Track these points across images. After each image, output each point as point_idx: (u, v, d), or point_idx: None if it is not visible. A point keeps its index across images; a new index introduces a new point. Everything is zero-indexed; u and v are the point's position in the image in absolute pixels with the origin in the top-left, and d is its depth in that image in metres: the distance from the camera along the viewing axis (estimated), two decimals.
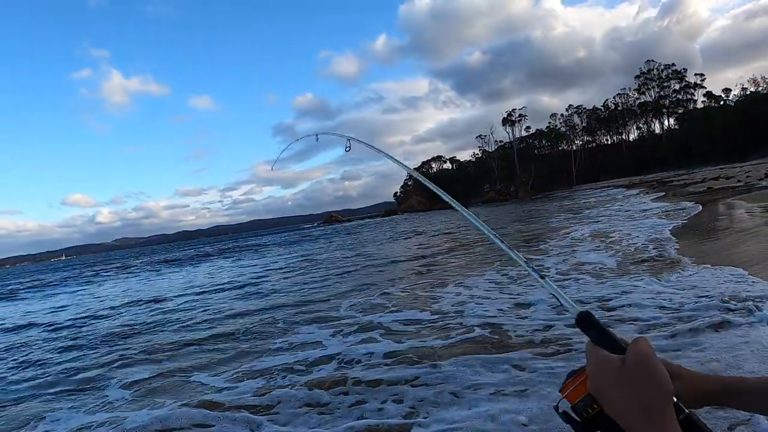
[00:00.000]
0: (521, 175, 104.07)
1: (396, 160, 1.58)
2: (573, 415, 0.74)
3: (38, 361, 8.11)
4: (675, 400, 0.69)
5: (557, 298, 0.84)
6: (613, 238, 13.45)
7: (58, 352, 8.54)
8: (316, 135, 2.09)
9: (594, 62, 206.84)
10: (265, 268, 20.14)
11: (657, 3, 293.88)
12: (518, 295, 8.06)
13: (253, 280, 15.91)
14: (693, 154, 77.41)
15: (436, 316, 7.38)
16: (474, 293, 8.74)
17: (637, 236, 12.97)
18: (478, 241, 17.48)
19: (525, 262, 0.94)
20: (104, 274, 33.61)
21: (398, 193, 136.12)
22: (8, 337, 11.11)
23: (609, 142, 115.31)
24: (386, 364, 5.42)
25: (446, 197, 1.22)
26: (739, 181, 27.95)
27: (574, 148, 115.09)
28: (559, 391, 0.76)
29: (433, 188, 1.30)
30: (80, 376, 6.77)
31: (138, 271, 31.55)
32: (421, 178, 1.41)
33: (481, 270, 11.29)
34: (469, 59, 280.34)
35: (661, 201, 25.12)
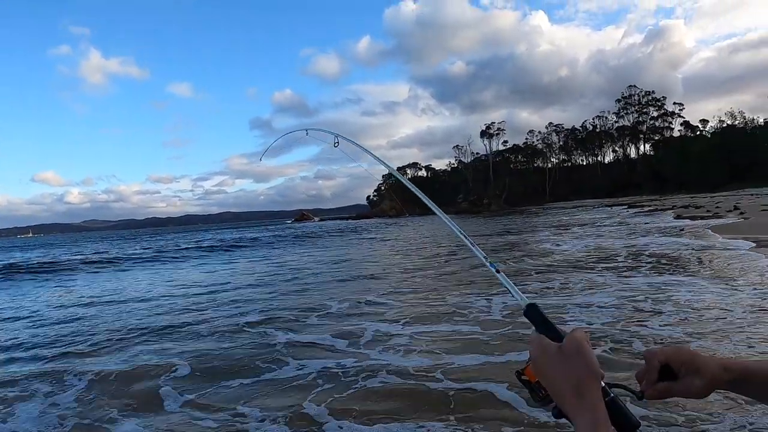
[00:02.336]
0: (495, 188, 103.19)
1: (383, 161, 1.71)
2: (533, 388, 0.82)
3: None
4: (603, 384, 0.77)
5: (509, 290, 0.97)
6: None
7: None
8: (306, 130, 2.10)
9: (576, 82, 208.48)
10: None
11: (643, 29, 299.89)
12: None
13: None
14: (666, 180, 77.42)
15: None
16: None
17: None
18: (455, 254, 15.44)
19: (484, 257, 1.09)
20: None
21: (371, 197, 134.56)
22: None
23: (584, 163, 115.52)
24: None
25: (428, 202, 1.40)
26: (708, 211, 27.62)
27: (550, 165, 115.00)
28: (521, 371, 0.84)
29: (417, 192, 1.48)
30: None
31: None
32: (406, 182, 1.61)
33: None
34: (452, 68, 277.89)
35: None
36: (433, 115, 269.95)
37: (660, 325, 5.72)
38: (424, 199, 1.39)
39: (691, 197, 52.65)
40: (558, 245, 16.72)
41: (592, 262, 11.65)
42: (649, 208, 40.03)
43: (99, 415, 4.32)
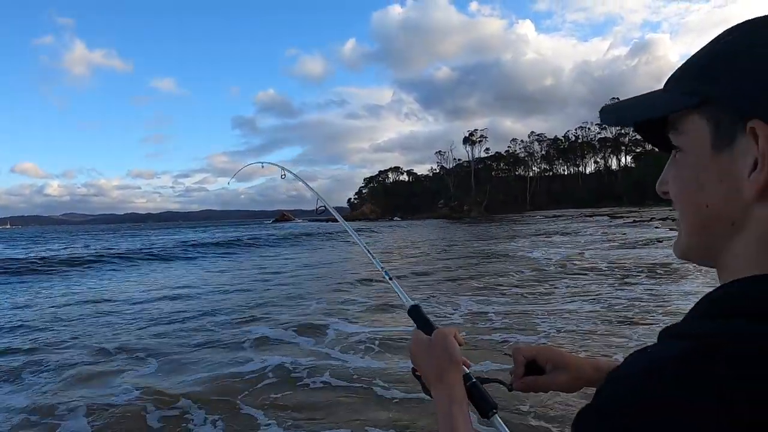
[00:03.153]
0: (476, 195, 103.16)
1: (321, 196, 1.72)
2: (420, 380, 0.91)
3: None
4: (467, 370, 0.88)
5: (397, 293, 1.10)
6: None
7: None
8: (261, 163, 2.25)
9: (560, 92, 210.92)
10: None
11: (629, 42, 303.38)
12: None
13: None
14: (647, 192, 77.89)
15: None
16: None
17: None
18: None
19: (381, 267, 1.22)
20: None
21: (352, 200, 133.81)
22: None
23: (566, 173, 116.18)
24: None
25: (335, 214, 1.65)
26: None
27: (531, 174, 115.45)
28: (414, 367, 0.93)
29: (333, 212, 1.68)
30: None
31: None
32: (330, 207, 1.68)
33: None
34: (437, 74, 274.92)
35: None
36: (416, 120, 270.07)
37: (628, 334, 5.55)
38: (339, 219, 1.62)
39: (671, 209, 52.53)
40: (540, 253, 16.01)
41: (577, 271, 11.08)
42: (630, 219, 39.98)
43: None
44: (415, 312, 1.00)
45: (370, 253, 1.28)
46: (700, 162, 0.52)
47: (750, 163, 0.47)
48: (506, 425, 0.87)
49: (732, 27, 0.52)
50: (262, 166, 2.26)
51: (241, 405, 4.12)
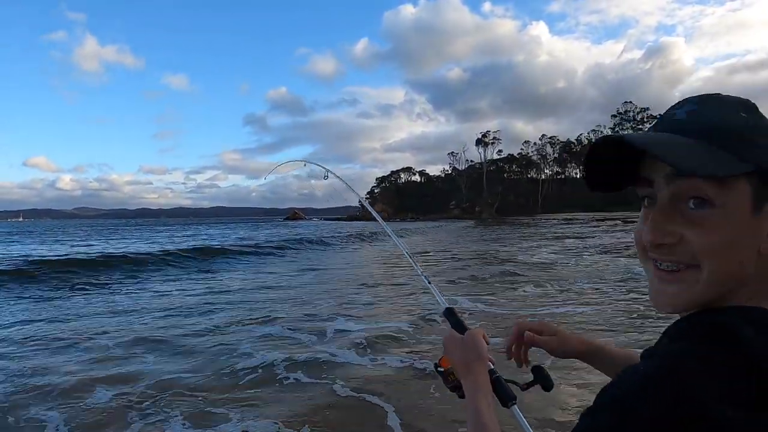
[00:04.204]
0: (488, 196, 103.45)
1: (364, 200, 2.03)
2: (444, 374, 1.07)
3: None
4: (492, 366, 1.01)
5: (435, 295, 1.28)
6: None
7: None
8: (305, 162, 2.29)
9: (573, 95, 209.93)
10: None
11: (643, 45, 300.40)
12: None
13: None
14: None
15: None
16: None
17: None
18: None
19: (421, 272, 1.39)
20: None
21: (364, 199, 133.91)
22: None
23: (578, 176, 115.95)
24: None
25: (382, 223, 1.68)
26: None
27: (543, 177, 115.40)
28: (438, 361, 1.08)
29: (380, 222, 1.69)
30: None
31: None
32: (369, 207, 1.81)
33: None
34: (449, 75, 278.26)
35: None
36: (428, 121, 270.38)
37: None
38: (382, 224, 1.70)
39: None
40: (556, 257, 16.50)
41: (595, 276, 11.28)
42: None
43: None
44: (449, 313, 1.15)
45: (411, 258, 1.46)
46: (741, 222, 0.58)
47: None
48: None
49: (745, 99, 0.63)
50: (305, 165, 2.31)
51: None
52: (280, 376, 4.77)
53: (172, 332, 6.62)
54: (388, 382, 4.56)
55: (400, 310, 7.98)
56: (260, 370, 4.93)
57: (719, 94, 0.64)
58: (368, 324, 6.88)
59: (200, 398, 4.27)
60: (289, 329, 6.64)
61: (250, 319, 7.35)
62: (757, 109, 0.63)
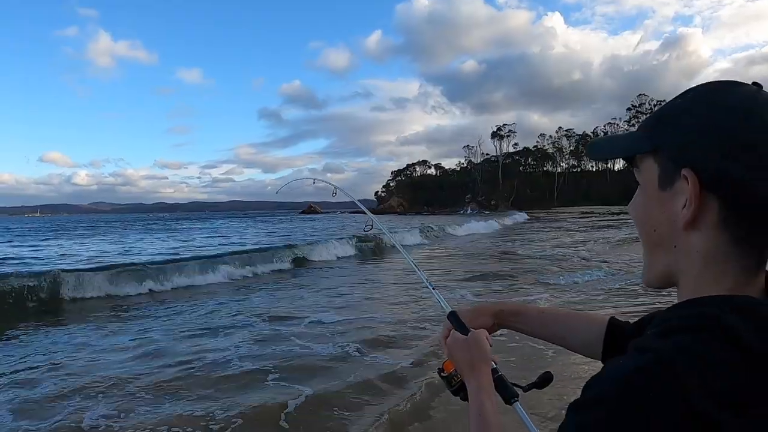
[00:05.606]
0: (503, 189, 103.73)
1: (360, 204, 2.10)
2: (448, 378, 1.10)
3: None
4: (495, 365, 1.05)
5: (439, 301, 1.31)
6: None
7: None
8: (314, 179, 2.32)
9: (588, 87, 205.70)
10: None
11: (660, 36, 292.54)
12: None
13: None
14: None
15: None
16: None
17: None
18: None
19: (425, 279, 1.42)
20: None
21: (379, 193, 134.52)
22: None
23: (594, 169, 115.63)
24: None
25: (388, 234, 1.86)
26: None
27: (559, 170, 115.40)
28: (441, 366, 1.11)
29: (386, 233, 1.88)
30: None
31: None
32: (375, 221, 1.85)
33: None
34: (463, 67, 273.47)
35: None
36: (443, 113, 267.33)
37: None
38: (388, 235, 1.88)
39: None
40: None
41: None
42: None
43: None
44: (453, 317, 1.18)
45: (415, 265, 1.51)
46: (651, 195, 0.65)
47: (683, 200, 0.60)
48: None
49: (692, 87, 0.65)
50: (313, 182, 2.34)
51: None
52: None
53: None
54: None
55: None
56: None
57: (711, 82, 0.65)
58: None
59: None
60: None
61: None
62: (723, 92, 0.61)
